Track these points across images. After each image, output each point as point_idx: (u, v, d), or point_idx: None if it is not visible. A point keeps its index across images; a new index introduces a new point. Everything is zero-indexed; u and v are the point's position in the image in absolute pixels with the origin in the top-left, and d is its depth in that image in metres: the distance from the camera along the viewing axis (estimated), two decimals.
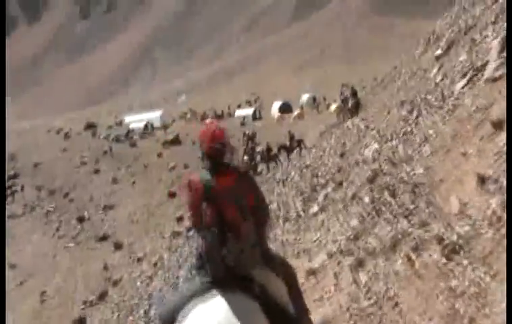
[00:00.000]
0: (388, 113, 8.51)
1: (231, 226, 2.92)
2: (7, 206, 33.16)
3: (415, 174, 4.64)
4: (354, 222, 5.21)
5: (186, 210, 3.18)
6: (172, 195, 26.43)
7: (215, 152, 2.94)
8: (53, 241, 23.62)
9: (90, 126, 70.68)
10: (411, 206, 4.25)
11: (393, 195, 4.74)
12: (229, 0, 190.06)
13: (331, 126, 17.78)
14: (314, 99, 56.81)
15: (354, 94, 19.45)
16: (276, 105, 56.42)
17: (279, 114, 50.34)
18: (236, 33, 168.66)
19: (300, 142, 22.55)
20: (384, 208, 4.75)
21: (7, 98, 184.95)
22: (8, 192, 37.17)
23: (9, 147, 60.54)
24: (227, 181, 2.94)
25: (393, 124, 6.78)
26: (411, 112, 6.04)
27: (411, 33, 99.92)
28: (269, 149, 25.98)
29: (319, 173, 8.25)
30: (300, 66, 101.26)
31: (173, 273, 11.91)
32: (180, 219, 21.58)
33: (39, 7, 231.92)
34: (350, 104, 22.60)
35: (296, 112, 48.56)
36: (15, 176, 43.80)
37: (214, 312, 2.76)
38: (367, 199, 5.26)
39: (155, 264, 17.05)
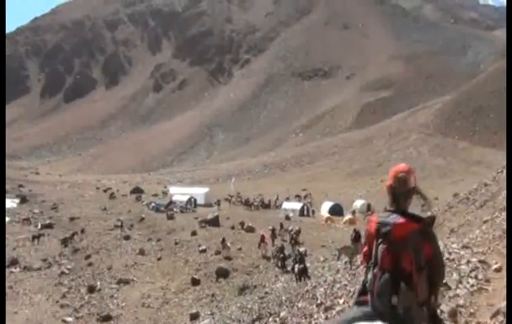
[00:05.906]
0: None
1: (405, 274, 2.89)
2: (29, 255, 31.43)
3: None
4: None
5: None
6: (195, 282, 23.31)
7: (398, 181, 3.05)
8: (53, 309, 20.89)
9: (137, 191, 70.76)
10: None
11: None
12: (295, 99, 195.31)
13: None
14: (368, 207, 52.19)
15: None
16: (326, 206, 52.63)
17: (328, 215, 46.87)
18: (295, 129, 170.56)
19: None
20: None
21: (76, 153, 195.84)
22: (35, 241, 35.80)
23: (55, 197, 61.01)
24: (407, 228, 2.93)
25: None
26: None
27: (475, 158, 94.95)
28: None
29: None
30: (356, 173, 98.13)
31: None
32: (194, 317, 18.28)
33: (118, 75, 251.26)
34: None
35: (347, 216, 44.86)
36: (49, 226, 42.80)
37: None
38: None
39: None
